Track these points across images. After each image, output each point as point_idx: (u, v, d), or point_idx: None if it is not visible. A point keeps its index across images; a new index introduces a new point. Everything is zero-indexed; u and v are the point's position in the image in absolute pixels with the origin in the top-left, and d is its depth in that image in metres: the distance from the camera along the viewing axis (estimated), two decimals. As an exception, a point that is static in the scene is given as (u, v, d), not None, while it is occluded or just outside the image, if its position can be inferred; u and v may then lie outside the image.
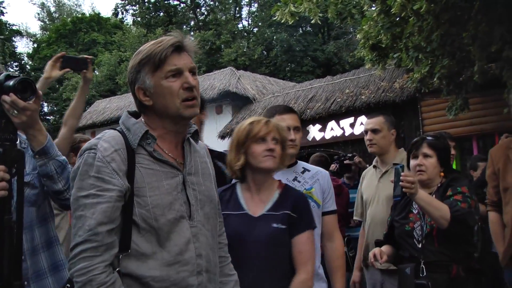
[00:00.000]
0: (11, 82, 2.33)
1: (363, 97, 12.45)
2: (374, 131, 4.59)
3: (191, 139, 2.31)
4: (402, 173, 3.30)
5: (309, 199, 3.32)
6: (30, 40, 45.38)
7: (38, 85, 2.97)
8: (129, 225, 2.03)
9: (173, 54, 2.13)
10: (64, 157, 2.66)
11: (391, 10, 6.75)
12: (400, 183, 3.27)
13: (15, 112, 2.32)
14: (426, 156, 3.57)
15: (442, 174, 3.63)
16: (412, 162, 3.64)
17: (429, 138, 3.67)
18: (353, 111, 12.52)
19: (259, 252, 2.78)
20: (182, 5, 38.59)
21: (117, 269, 1.99)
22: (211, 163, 2.45)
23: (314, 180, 3.50)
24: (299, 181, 3.46)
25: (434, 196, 3.51)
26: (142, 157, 2.11)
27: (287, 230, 2.88)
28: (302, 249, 2.92)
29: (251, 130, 2.92)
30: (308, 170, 3.55)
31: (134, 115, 2.24)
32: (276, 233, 2.85)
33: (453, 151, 4.84)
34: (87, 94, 3.80)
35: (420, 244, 3.45)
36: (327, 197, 3.51)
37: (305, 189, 3.40)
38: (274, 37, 33.61)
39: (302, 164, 3.61)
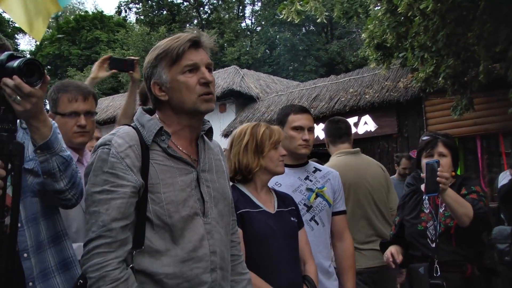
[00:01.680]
0: (15, 63, 1.99)
1: (367, 96, 12.45)
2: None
3: (205, 137, 2.29)
4: (439, 169, 3.26)
5: (320, 198, 3.39)
6: (33, 38, 45.37)
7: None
8: (143, 222, 2.02)
9: (190, 50, 2.12)
10: (69, 153, 2.30)
11: (398, 10, 6.77)
12: (438, 178, 3.23)
13: (18, 98, 2.00)
14: (441, 155, 3.54)
15: (453, 173, 3.62)
16: (426, 161, 3.61)
17: (442, 137, 3.65)
18: (357, 111, 12.53)
19: (286, 244, 2.83)
20: (185, 3, 38.63)
21: (131, 265, 1.98)
22: (225, 161, 2.44)
23: (326, 179, 3.52)
24: (311, 180, 3.48)
25: None
26: (156, 153, 2.10)
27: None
28: (307, 241, 3.07)
29: (272, 135, 2.97)
30: (320, 170, 3.58)
31: (149, 111, 2.22)
32: (295, 226, 2.97)
33: None
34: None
35: (434, 244, 3.45)
36: (337, 197, 3.54)
37: (317, 187, 3.42)
38: (277, 36, 33.65)
39: (313, 164, 3.63)
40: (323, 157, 3.66)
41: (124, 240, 1.96)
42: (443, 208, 3.47)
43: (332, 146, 4.69)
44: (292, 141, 3.40)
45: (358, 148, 4.73)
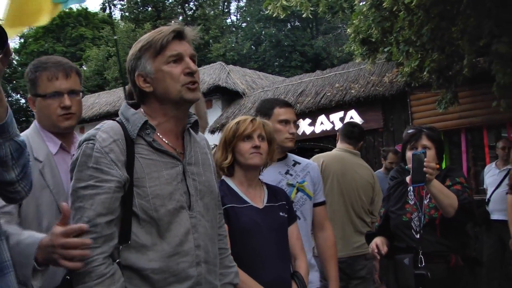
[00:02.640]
0: None
1: (352, 91, 12.49)
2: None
3: (191, 130, 2.30)
4: (425, 159, 3.29)
5: (301, 192, 3.42)
6: (17, 35, 45.02)
7: None
8: (129, 216, 2.02)
9: (174, 40, 2.14)
10: (23, 138, 1.91)
11: (383, 4, 6.80)
12: (425, 169, 3.27)
13: None
14: (425, 147, 3.58)
15: (437, 166, 3.66)
16: (411, 154, 3.66)
17: (426, 130, 3.69)
18: (343, 105, 12.55)
19: (274, 239, 2.85)
20: (170, 0, 38.48)
21: (117, 260, 1.99)
22: (211, 154, 2.45)
23: (305, 172, 3.54)
24: (291, 174, 3.49)
25: None
26: (141, 147, 2.09)
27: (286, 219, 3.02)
28: (298, 237, 3.10)
29: (238, 129, 2.96)
30: (299, 163, 3.58)
31: (133, 106, 2.22)
32: (284, 221, 2.99)
33: None
34: None
35: (418, 235, 3.49)
36: (317, 189, 3.57)
37: (297, 182, 3.44)
38: (263, 32, 33.63)
39: (292, 156, 3.64)
40: (309, 152, 3.73)
41: (109, 235, 1.97)
42: (427, 200, 3.53)
43: (339, 142, 5.23)
44: (278, 134, 3.36)
45: (358, 152, 5.14)
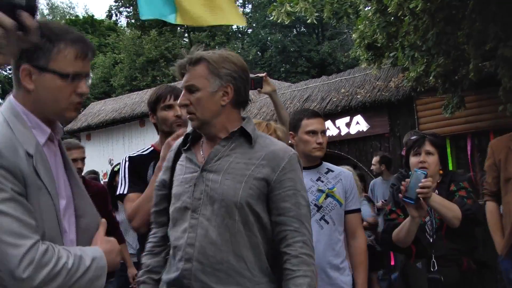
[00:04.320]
0: None
1: (358, 96, 12.48)
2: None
3: (241, 139, 2.42)
4: (423, 180, 3.29)
5: (331, 198, 3.58)
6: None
7: None
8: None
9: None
10: None
11: (388, 9, 6.80)
12: (418, 189, 3.27)
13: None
14: (428, 153, 3.62)
15: (441, 171, 3.68)
16: (414, 160, 3.67)
17: (430, 136, 3.72)
18: (349, 111, 12.54)
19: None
20: (176, 6, 38.59)
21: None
22: (266, 166, 2.37)
23: (337, 180, 3.68)
24: (322, 181, 3.65)
25: (437, 192, 3.55)
26: (183, 156, 2.54)
27: None
28: None
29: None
30: (332, 171, 3.74)
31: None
32: None
33: None
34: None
35: (432, 239, 3.51)
36: (349, 197, 3.69)
37: (328, 188, 3.60)
38: (269, 38, 33.71)
39: (326, 165, 3.80)
40: (325, 159, 3.78)
41: (160, 222, 2.62)
42: None
43: None
44: (306, 144, 3.64)
45: None
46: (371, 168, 8.36)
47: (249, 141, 2.40)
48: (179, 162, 2.53)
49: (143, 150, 3.49)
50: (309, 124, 3.64)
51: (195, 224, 2.30)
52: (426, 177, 3.30)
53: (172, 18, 4.80)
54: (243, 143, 2.40)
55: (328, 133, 12.80)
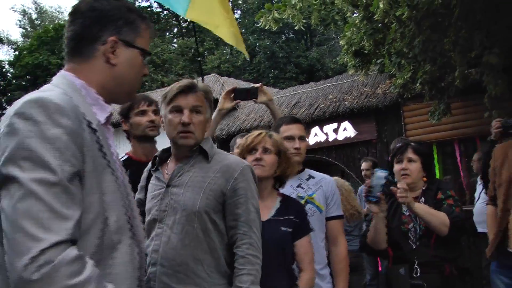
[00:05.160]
0: None
1: (346, 102, 12.52)
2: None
3: (201, 156, 2.75)
4: (399, 185, 3.40)
5: (310, 204, 3.57)
6: (11, 48, 45.01)
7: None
8: None
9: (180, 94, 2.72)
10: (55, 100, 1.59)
11: (374, 17, 6.85)
12: (398, 195, 3.38)
13: None
14: (410, 160, 3.68)
15: (425, 179, 3.73)
16: (397, 167, 3.74)
17: (413, 143, 3.77)
18: (337, 117, 12.58)
19: (270, 252, 2.90)
20: (165, 12, 38.61)
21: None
22: (222, 178, 2.67)
23: (318, 186, 3.67)
24: (302, 188, 3.66)
25: (422, 199, 3.60)
26: (153, 176, 2.86)
27: (291, 233, 3.11)
28: (307, 251, 3.16)
29: (245, 143, 3.22)
30: (313, 177, 3.74)
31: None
32: (284, 235, 3.10)
33: None
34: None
35: (415, 245, 3.55)
36: (330, 203, 3.67)
37: (307, 195, 3.60)
38: (257, 44, 33.74)
39: (308, 171, 3.79)
40: (313, 165, 3.83)
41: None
42: None
43: None
44: None
45: None
46: (363, 173, 8.34)
47: (206, 158, 2.73)
48: (150, 182, 2.85)
49: (122, 157, 3.56)
50: (287, 129, 3.65)
51: (160, 232, 2.63)
52: (387, 176, 3.41)
53: (182, 11, 4.89)
54: (202, 160, 2.73)
55: (316, 139, 12.86)
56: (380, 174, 3.42)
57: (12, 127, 1.48)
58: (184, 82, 2.75)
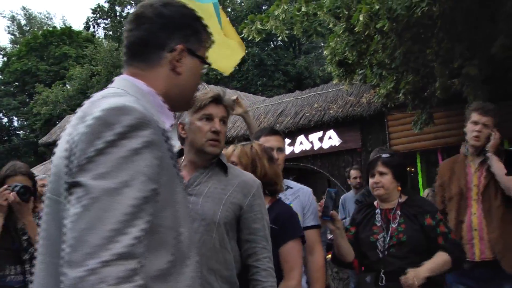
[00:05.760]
0: None
1: (331, 111, 12.62)
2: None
3: (218, 168, 2.75)
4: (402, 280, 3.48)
5: None
6: (0, 54, 44.93)
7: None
8: None
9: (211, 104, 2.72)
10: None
11: (355, 29, 6.92)
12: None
13: None
14: (381, 173, 3.75)
15: (399, 188, 3.80)
16: (370, 180, 3.81)
17: (384, 156, 3.83)
18: (322, 125, 12.70)
19: None
20: (154, 19, 38.66)
21: None
22: (245, 194, 2.72)
23: (295, 196, 3.71)
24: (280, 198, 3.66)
25: (398, 212, 3.68)
26: None
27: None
28: (287, 258, 3.11)
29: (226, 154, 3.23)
30: (291, 188, 3.78)
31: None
32: None
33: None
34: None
35: (382, 255, 3.62)
36: (307, 213, 3.69)
37: None
38: (246, 51, 33.79)
39: (287, 182, 3.79)
40: (288, 172, 3.88)
41: None
42: (396, 224, 3.65)
43: None
44: None
45: None
46: (356, 182, 8.34)
47: (224, 171, 2.73)
48: None
49: None
50: (265, 141, 3.65)
51: None
52: (336, 193, 3.51)
53: None
54: (219, 172, 2.73)
55: (301, 147, 12.94)
56: (332, 194, 3.51)
57: (93, 133, 1.41)
58: (216, 90, 2.76)
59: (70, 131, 1.51)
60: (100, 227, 1.30)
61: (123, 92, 1.61)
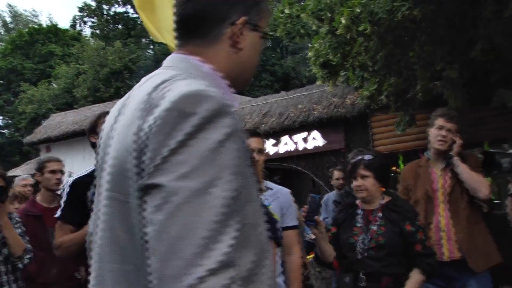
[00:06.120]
0: None
1: (315, 112, 12.69)
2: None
3: None
4: None
5: None
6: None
7: None
8: None
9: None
10: None
11: (337, 31, 6.98)
12: None
13: None
14: (364, 177, 3.80)
15: (382, 189, 3.87)
16: (353, 183, 3.87)
17: (366, 158, 3.88)
18: (306, 126, 12.78)
19: None
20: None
21: None
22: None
23: (274, 197, 3.80)
24: None
25: (379, 214, 3.75)
26: None
27: None
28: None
29: None
30: (271, 189, 3.86)
31: None
32: None
33: None
34: None
35: (361, 256, 3.68)
36: (286, 213, 3.81)
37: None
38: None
39: (266, 183, 3.90)
40: (273, 173, 3.95)
41: None
42: (376, 226, 3.72)
43: None
44: None
45: None
46: (338, 183, 8.41)
47: None
48: None
49: (89, 170, 3.62)
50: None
51: None
52: (320, 199, 3.59)
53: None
54: None
55: (286, 148, 13.00)
56: (316, 199, 3.56)
57: (168, 125, 1.22)
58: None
59: (131, 121, 1.32)
60: (193, 235, 1.14)
61: (185, 74, 1.41)
